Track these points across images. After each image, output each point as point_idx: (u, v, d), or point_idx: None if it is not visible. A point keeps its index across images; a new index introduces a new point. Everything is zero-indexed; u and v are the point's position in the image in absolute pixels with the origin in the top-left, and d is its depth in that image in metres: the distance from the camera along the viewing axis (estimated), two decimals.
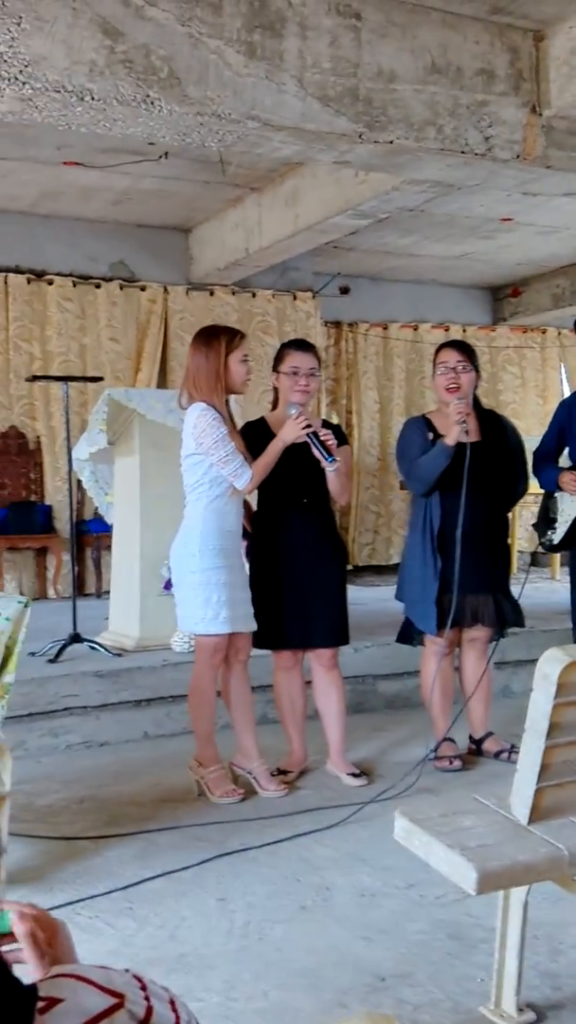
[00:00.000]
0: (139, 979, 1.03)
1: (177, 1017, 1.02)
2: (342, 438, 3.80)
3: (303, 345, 3.82)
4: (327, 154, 4.68)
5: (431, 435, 3.90)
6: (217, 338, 3.57)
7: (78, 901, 2.73)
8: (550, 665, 1.68)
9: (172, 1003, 1.03)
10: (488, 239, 7.87)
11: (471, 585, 3.81)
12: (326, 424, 3.85)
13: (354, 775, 3.80)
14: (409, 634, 4.06)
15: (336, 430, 3.82)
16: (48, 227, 7.41)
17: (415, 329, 9.08)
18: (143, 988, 1.01)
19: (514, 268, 8.85)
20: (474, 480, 3.72)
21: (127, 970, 1.04)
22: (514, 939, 2.07)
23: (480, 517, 3.80)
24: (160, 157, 6.14)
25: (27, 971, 1.09)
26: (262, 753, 3.72)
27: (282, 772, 3.82)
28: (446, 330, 9.11)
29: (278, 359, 3.77)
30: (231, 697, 3.69)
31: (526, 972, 2.16)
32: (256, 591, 3.72)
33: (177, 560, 3.61)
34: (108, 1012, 0.95)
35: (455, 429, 3.72)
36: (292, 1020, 2.15)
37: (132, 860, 3.04)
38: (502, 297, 9.51)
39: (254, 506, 3.87)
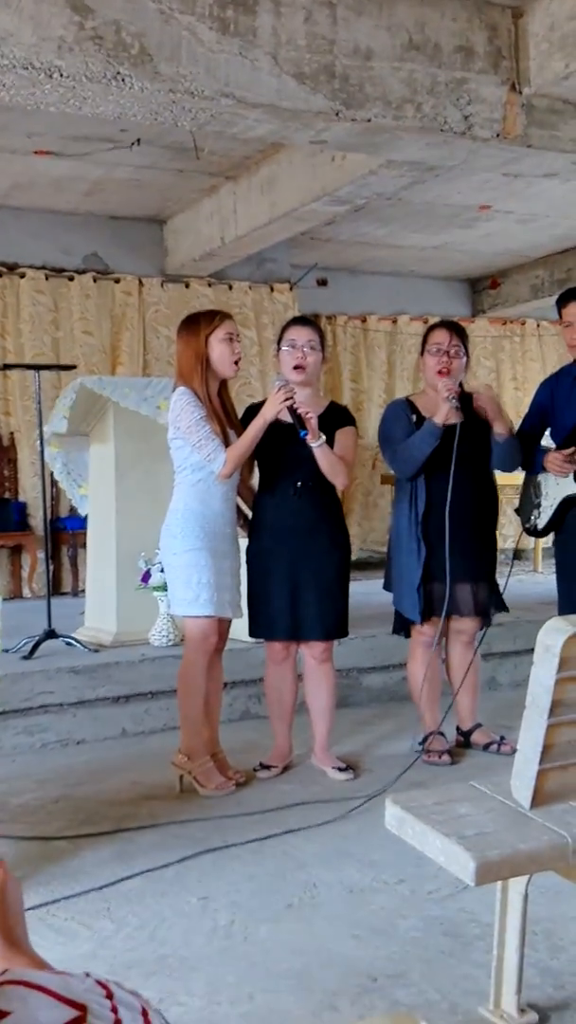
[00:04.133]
0: (104, 985, 0.86)
1: None
2: (347, 420, 3.69)
3: (301, 320, 3.80)
4: (303, 133, 4.56)
5: (414, 417, 3.79)
6: (197, 321, 3.57)
7: (53, 902, 2.59)
8: (552, 636, 1.57)
9: (144, 1013, 0.86)
10: (467, 228, 7.77)
11: (459, 572, 3.70)
12: (333, 405, 3.73)
13: (339, 769, 3.68)
14: (403, 624, 3.94)
15: (342, 411, 3.72)
16: (20, 219, 7.25)
17: (394, 322, 8.98)
18: (108, 996, 0.84)
19: (493, 259, 8.76)
20: (460, 463, 3.61)
21: (88, 975, 0.88)
22: (513, 935, 1.95)
23: (467, 501, 3.69)
24: (133, 144, 6.00)
25: None
26: (220, 748, 3.62)
27: (265, 767, 3.70)
28: (425, 322, 8.99)
29: (278, 338, 3.72)
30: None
31: (526, 970, 2.04)
32: (249, 578, 3.64)
33: (163, 543, 3.57)
34: None
35: (445, 407, 3.60)
36: (280, 1023, 2.03)
37: (110, 859, 2.91)
38: (481, 289, 9.42)
39: (256, 489, 3.76)
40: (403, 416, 3.81)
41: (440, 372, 3.73)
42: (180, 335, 3.56)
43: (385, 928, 2.45)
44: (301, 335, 3.61)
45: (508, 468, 3.90)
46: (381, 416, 3.97)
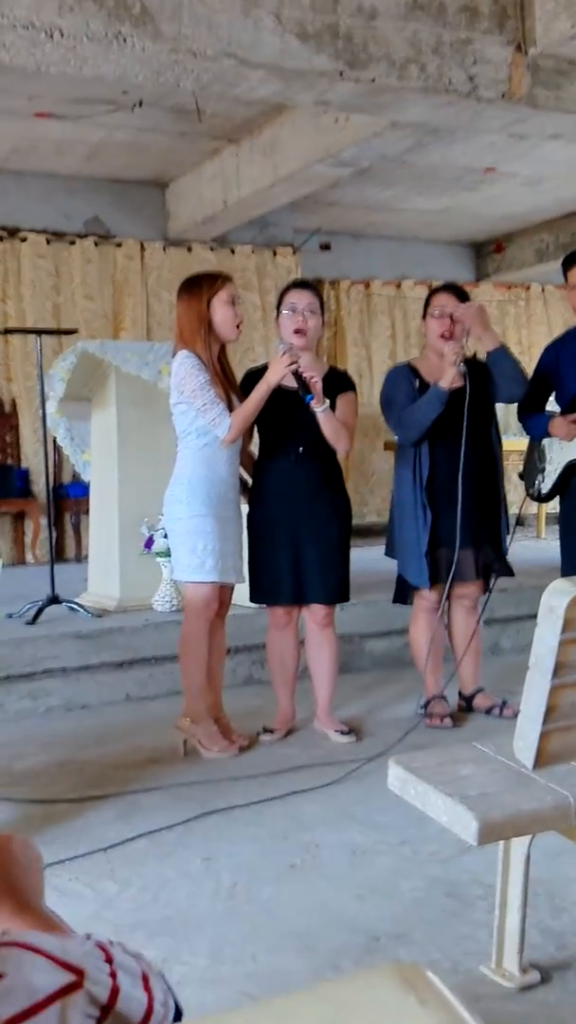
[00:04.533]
0: (104, 949, 0.83)
1: (150, 997, 0.83)
2: (348, 385, 3.67)
3: (301, 283, 3.75)
4: (307, 94, 4.50)
5: (417, 383, 3.76)
6: (199, 284, 3.50)
7: (57, 863, 2.61)
8: (556, 597, 1.56)
9: (145, 978, 0.84)
10: (471, 191, 7.69)
11: (465, 538, 3.69)
12: (333, 371, 3.70)
13: (342, 732, 3.70)
14: (405, 592, 3.94)
15: (342, 376, 3.70)
16: (21, 183, 7.18)
17: (398, 287, 8.90)
18: (108, 960, 0.82)
19: (497, 222, 8.67)
20: (465, 428, 3.59)
21: (89, 937, 0.85)
22: (515, 895, 1.97)
23: (472, 466, 3.67)
24: (134, 106, 5.92)
25: None
26: (224, 713, 3.64)
27: (269, 731, 3.72)
28: (429, 287, 8.90)
29: (278, 303, 3.67)
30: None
31: (528, 930, 2.06)
32: (251, 544, 3.63)
33: (167, 508, 3.55)
34: (61, 993, 0.75)
35: (451, 372, 3.58)
36: (283, 983, 2.05)
37: (114, 821, 2.93)
38: (485, 253, 9.34)
39: (256, 455, 3.74)
40: (405, 381, 3.78)
41: (443, 336, 3.70)
42: (181, 298, 3.50)
43: (387, 889, 2.47)
44: (301, 299, 3.57)
45: (515, 391, 3.76)
46: (383, 383, 3.93)
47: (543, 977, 2.03)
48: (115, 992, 0.79)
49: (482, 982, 2.03)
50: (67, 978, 0.77)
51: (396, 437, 3.95)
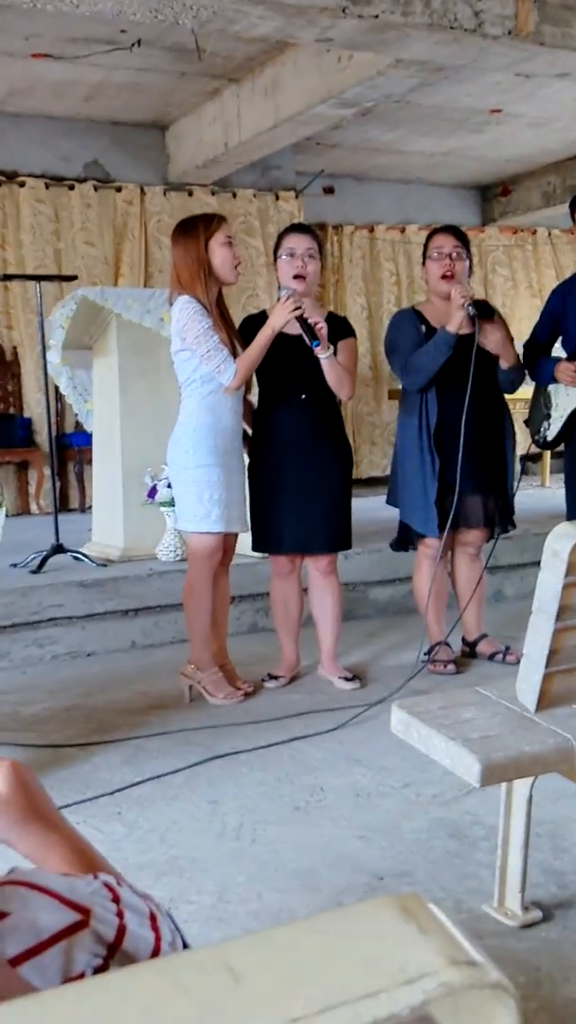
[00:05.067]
0: (111, 888, 0.83)
1: (157, 936, 0.83)
2: (348, 330, 3.62)
3: (299, 227, 3.67)
4: (309, 31, 4.40)
5: (423, 328, 3.72)
6: (194, 225, 3.41)
7: (65, 807, 2.64)
8: (560, 541, 1.56)
9: (152, 917, 0.84)
10: (477, 133, 7.54)
11: (471, 485, 3.68)
12: (332, 316, 3.65)
13: (346, 679, 3.72)
14: (406, 540, 3.93)
15: (342, 322, 3.65)
16: (18, 126, 7.05)
17: (402, 231, 8.78)
18: (115, 900, 0.82)
19: (503, 165, 8.52)
20: (473, 373, 3.56)
21: (96, 877, 0.85)
22: (518, 836, 1.99)
23: (479, 412, 3.64)
24: (132, 46, 5.79)
25: None
26: (228, 660, 3.66)
27: (273, 677, 3.75)
28: None
29: (276, 247, 3.60)
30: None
31: (530, 870, 2.09)
32: (253, 492, 3.60)
33: (172, 458, 3.51)
34: (67, 932, 0.76)
35: (459, 315, 3.53)
36: (287, 921, 2.08)
37: (121, 766, 2.97)
38: (491, 196, 9.19)
39: (256, 403, 3.70)
40: (411, 326, 3.73)
41: (444, 276, 3.65)
42: (177, 241, 3.41)
43: (391, 830, 2.50)
44: (300, 243, 3.51)
45: (511, 390, 3.86)
46: (387, 328, 3.88)
47: (545, 915, 2.06)
48: (122, 931, 0.80)
49: (484, 920, 2.06)
50: (73, 917, 0.77)
51: (401, 384, 3.91)
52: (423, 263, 3.81)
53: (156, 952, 0.82)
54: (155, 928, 0.83)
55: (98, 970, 0.79)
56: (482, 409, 3.70)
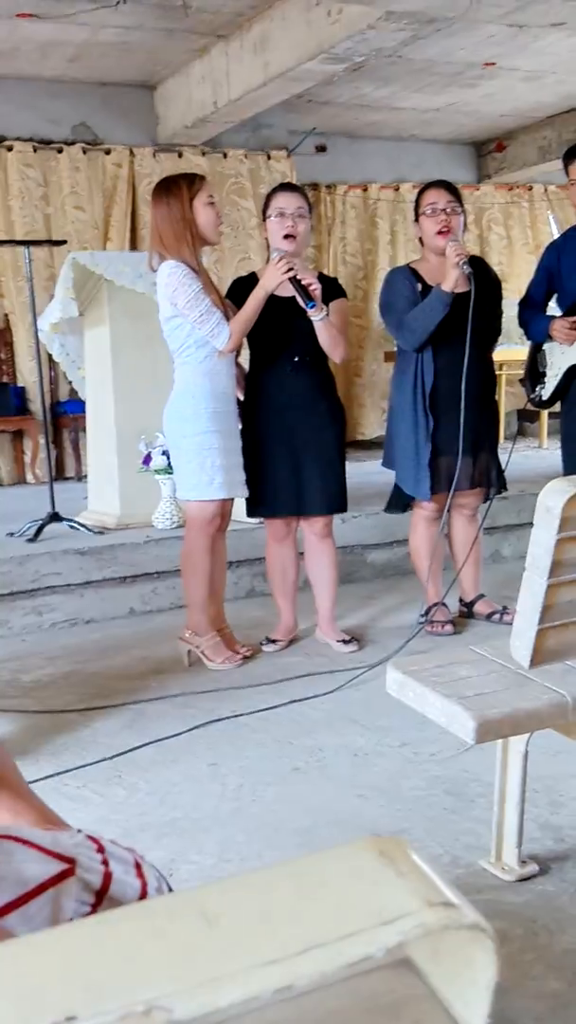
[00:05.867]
0: (95, 840, 0.84)
1: (143, 883, 0.84)
2: (339, 291, 3.59)
3: (287, 186, 3.62)
4: None
5: (419, 286, 3.68)
6: (177, 184, 3.33)
7: (65, 772, 2.66)
8: (553, 498, 1.55)
9: (138, 866, 0.86)
10: (470, 87, 7.42)
11: (466, 447, 3.66)
12: (322, 277, 3.60)
13: (344, 642, 3.73)
14: (400, 501, 3.92)
15: (332, 282, 3.61)
16: (4, 89, 6.93)
17: (396, 190, 8.67)
18: (100, 850, 0.83)
19: (498, 120, 8.39)
20: (464, 334, 3.53)
21: (79, 831, 0.86)
22: (514, 791, 2.00)
23: (474, 373, 3.61)
24: (118, 3, 5.68)
25: None
26: (227, 624, 3.66)
27: (271, 641, 3.76)
28: None
29: (265, 207, 3.55)
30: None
31: (526, 825, 2.10)
32: (247, 457, 3.58)
33: (170, 426, 3.47)
34: (54, 881, 0.76)
35: (453, 273, 3.48)
36: None
37: (121, 730, 2.98)
38: (486, 152, 9.06)
39: (247, 367, 3.66)
40: (406, 284, 3.68)
41: (440, 232, 3.60)
42: (159, 201, 3.32)
43: (389, 788, 2.52)
44: (290, 203, 3.46)
45: None
46: (382, 287, 3.84)
47: (541, 869, 2.09)
48: (108, 878, 0.80)
49: (482, 875, 2.08)
50: (59, 867, 0.78)
51: (396, 343, 3.87)
52: (416, 220, 3.75)
53: (143, 897, 0.83)
54: (141, 875, 0.84)
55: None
56: (479, 369, 3.68)
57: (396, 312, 3.66)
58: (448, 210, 3.60)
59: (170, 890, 0.87)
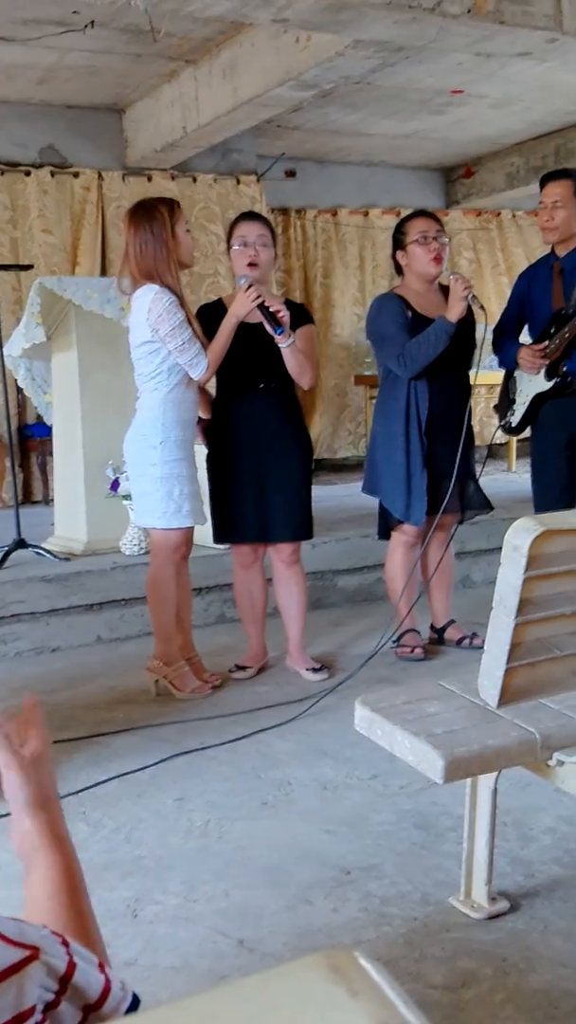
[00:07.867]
0: (60, 936, 0.84)
1: (107, 979, 0.84)
2: (306, 317, 3.58)
3: (250, 215, 3.63)
4: (264, 11, 4.32)
5: (410, 314, 3.67)
6: (158, 210, 3.30)
7: None
8: (520, 536, 1.53)
9: (101, 965, 0.86)
10: (439, 114, 7.49)
11: (451, 470, 3.66)
12: (289, 304, 3.59)
13: (314, 670, 3.70)
14: (387, 527, 3.90)
15: (299, 309, 3.61)
16: None
17: (365, 215, 8.72)
18: (64, 944, 0.83)
19: (466, 146, 8.47)
20: (455, 360, 3.58)
21: (44, 926, 0.86)
22: (483, 827, 1.98)
23: (458, 399, 3.66)
24: (86, 27, 5.68)
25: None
26: (195, 651, 3.62)
27: (241, 668, 3.72)
28: (397, 215, 8.75)
29: (228, 236, 3.56)
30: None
31: (497, 860, 2.08)
32: (213, 483, 3.55)
33: (134, 453, 3.41)
34: (18, 967, 0.76)
35: (461, 305, 3.50)
36: (255, 918, 2.06)
37: (86, 764, 2.92)
38: (455, 178, 9.14)
39: (214, 393, 3.64)
40: (398, 312, 3.67)
41: (436, 260, 3.63)
42: (139, 226, 3.28)
43: (358, 823, 2.49)
44: (252, 231, 3.46)
45: None
46: (371, 313, 3.79)
47: (512, 905, 2.06)
48: (72, 966, 0.80)
49: (451, 912, 2.05)
50: (21, 954, 0.77)
51: (385, 370, 3.82)
52: (398, 248, 3.74)
53: (106, 991, 0.83)
54: (104, 972, 0.84)
55: (49, 1005, 0.79)
56: (464, 395, 3.72)
57: (393, 341, 3.64)
58: (439, 239, 3.63)
59: (134, 996, 0.86)
